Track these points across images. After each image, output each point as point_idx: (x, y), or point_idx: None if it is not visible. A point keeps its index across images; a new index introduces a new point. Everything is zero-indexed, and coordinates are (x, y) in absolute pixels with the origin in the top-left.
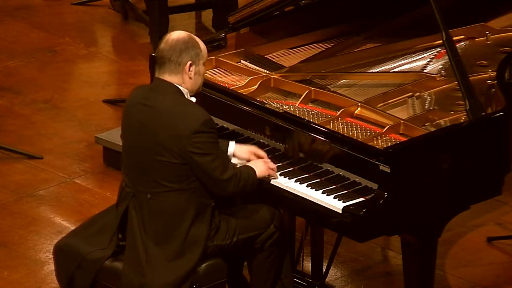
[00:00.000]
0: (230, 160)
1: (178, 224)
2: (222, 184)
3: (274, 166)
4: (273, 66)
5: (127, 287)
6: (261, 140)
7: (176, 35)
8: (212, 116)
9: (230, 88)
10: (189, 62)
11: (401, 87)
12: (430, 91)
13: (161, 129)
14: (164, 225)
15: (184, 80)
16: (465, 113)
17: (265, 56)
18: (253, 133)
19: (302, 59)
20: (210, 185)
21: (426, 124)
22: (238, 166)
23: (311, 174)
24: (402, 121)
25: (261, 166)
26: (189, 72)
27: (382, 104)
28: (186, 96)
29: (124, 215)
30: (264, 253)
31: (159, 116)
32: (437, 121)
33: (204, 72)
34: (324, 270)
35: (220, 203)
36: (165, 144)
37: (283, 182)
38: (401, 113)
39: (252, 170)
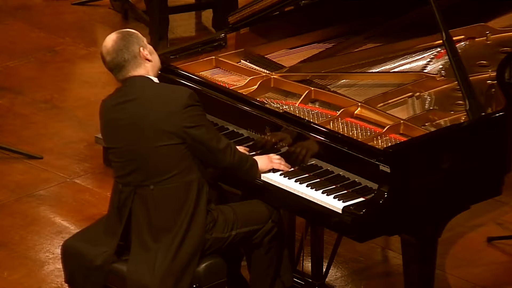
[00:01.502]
0: None
1: (182, 208)
2: (220, 154)
3: (277, 157)
4: (273, 66)
5: (136, 286)
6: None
7: (110, 41)
8: (212, 116)
9: (230, 88)
10: (140, 48)
11: (401, 87)
12: (430, 91)
13: (150, 114)
14: (171, 210)
15: (147, 67)
16: (465, 113)
17: (265, 56)
18: (253, 133)
19: (302, 59)
20: (209, 157)
21: (426, 124)
22: None
23: (311, 174)
24: (402, 121)
25: (265, 159)
26: (146, 55)
27: (382, 104)
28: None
29: (128, 215)
30: (263, 249)
31: (145, 103)
32: (437, 121)
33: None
34: (324, 270)
35: (216, 197)
36: (158, 126)
37: (283, 182)
38: (401, 113)
39: (253, 160)
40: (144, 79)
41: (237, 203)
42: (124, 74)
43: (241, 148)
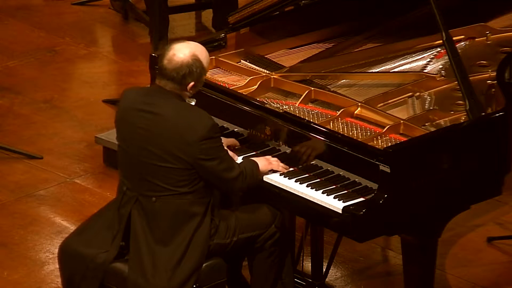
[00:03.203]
0: None
1: (185, 224)
2: (230, 183)
3: (274, 159)
4: (273, 66)
5: None
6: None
7: (181, 55)
8: (212, 116)
9: (230, 88)
10: (192, 83)
11: (401, 87)
12: (430, 91)
13: (168, 136)
14: (171, 225)
15: (184, 94)
16: (465, 113)
17: (265, 56)
18: (253, 133)
19: (302, 59)
20: (218, 185)
21: (426, 124)
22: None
23: (311, 174)
24: (402, 121)
25: (263, 161)
26: (190, 90)
27: (382, 104)
28: (186, 100)
29: (127, 218)
30: (265, 253)
31: (165, 123)
32: (437, 121)
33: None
34: (324, 270)
35: (219, 203)
36: (173, 151)
37: (283, 182)
38: (401, 113)
39: (254, 163)
40: (175, 97)
41: (240, 208)
42: (164, 84)
43: (226, 141)
